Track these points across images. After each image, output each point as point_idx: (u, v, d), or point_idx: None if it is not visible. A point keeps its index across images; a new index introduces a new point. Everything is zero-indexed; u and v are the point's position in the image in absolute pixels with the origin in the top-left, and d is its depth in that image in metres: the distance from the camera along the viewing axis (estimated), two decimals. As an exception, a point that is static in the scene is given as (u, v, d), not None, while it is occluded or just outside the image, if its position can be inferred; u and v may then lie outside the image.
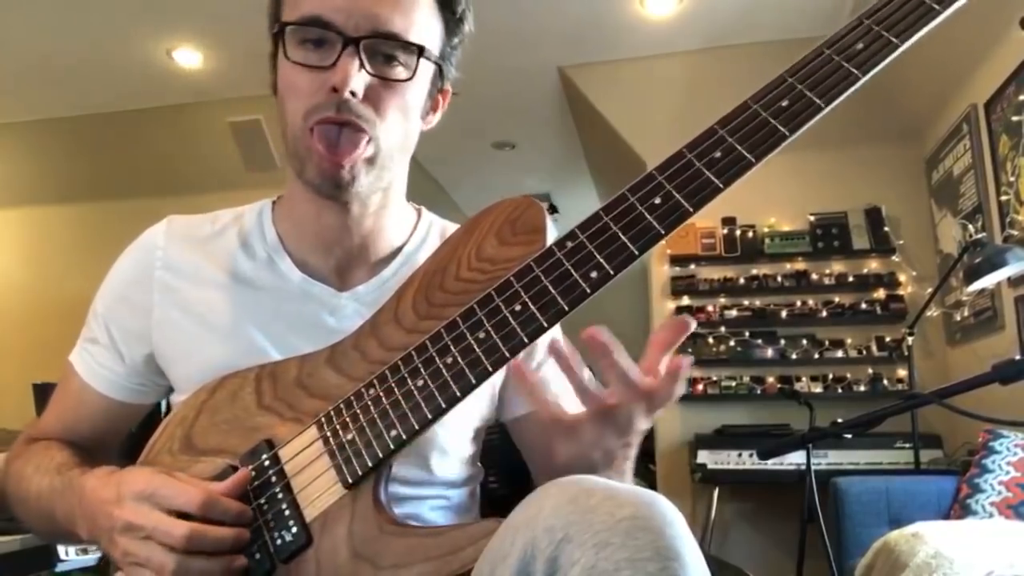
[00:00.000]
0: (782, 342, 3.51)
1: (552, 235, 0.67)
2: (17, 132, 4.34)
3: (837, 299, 3.49)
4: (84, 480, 0.72)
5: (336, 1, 0.72)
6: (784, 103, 0.62)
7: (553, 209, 5.35)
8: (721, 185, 0.61)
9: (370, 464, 0.65)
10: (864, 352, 3.41)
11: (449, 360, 0.64)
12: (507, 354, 0.62)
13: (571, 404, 0.66)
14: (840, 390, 3.40)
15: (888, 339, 3.39)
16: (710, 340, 3.58)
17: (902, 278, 3.46)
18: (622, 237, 0.62)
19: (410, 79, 0.76)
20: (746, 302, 3.61)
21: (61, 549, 1.72)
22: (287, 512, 0.67)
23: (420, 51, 0.76)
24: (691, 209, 0.61)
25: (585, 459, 0.66)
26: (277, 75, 0.79)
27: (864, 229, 3.52)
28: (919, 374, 3.03)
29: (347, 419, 0.67)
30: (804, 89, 0.62)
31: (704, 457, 3.20)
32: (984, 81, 2.82)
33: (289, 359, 0.75)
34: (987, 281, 2.37)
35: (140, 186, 4.37)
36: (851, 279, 3.49)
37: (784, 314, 3.51)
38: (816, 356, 3.46)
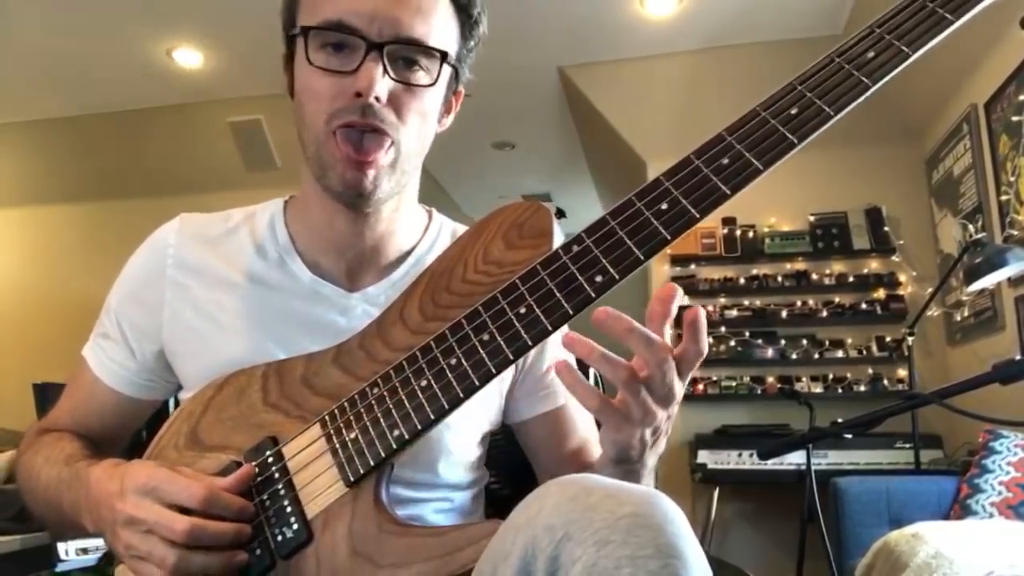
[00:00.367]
0: (782, 342, 3.51)
1: (559, 239, 0.67)
2: (17, 132, 4.34)
3: (837, 299, 3.49)
4: (90, 471, 0.73)
5: (359, 6, 0.72)
6: (793, 111, 0.62)
7: (561, 214, 5.34)
8: (729, 192, 0.61)
9: (372, 463, 0.65)
10: (864, 352, 3.41)
11: (453, 361, 0.64)
12: (511, 356, 0.62)
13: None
14: (840, 390, 3.40)
15: (888, 339, 3.39)
16: (710, 340, 3.57)
17: (902, 278, 3.46)
18: (628, 242, 0.62)
19: (432, 84, 0.76)
20: (746, 302, 3.61)
21: (61, 549, 1.72)
22: (289, 509, 0.67)
23: (443, 57, 0.76)
24: (698, 216, 0.61)
25: (633, 443, 0.64)
26: (294, 78, 0.79)
27: (864, 229, 3.52)
28: (919, 374, 3.03)
29: (350, 418, 0.68)
30: (813, 97, 0.62)
31: (704, 457, 3.20)
32: (984, 81, 2.82)
33: (296, 357, 0.75)
34: (987, 281, 2.37)
35: (140, 186, 4.37)
36: (851, 279, 3.49)
37: (784, 314, 3.51)
38: (816, 356, 3.46)
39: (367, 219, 0.81)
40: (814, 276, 3.53)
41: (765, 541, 3.32)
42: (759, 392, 3.47)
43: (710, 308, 3.62)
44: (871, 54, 0.63)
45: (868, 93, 0.62)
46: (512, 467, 0.98)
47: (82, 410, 0.89)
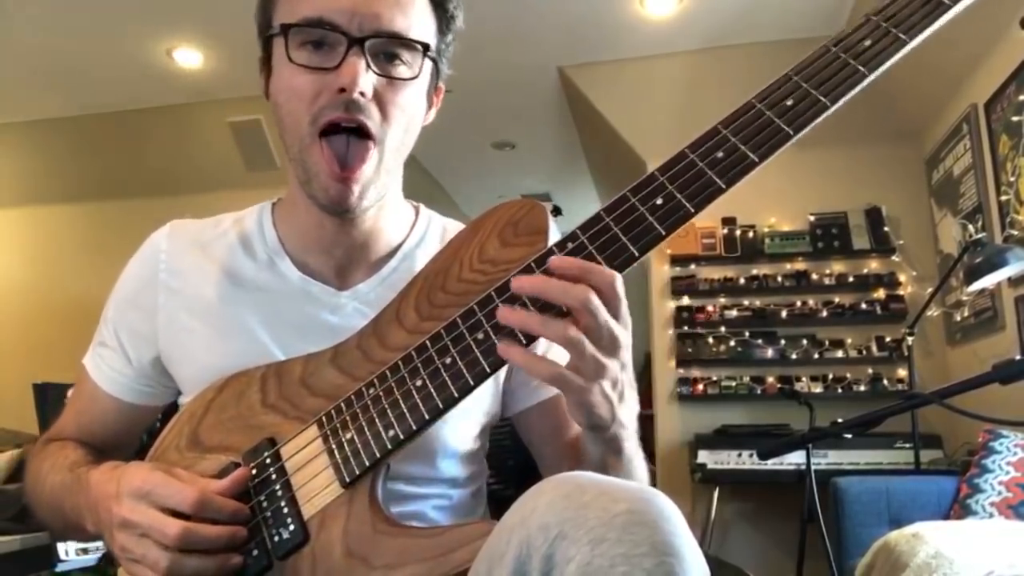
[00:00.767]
0: (782, 342, 3.51)
1: (555, 237, 0.66)
2: (17, 132, 4.34)
3: (837, 299, 3.49)
4: (90, 475, 0.74)
5: (338, 2, 0.72)
6: (789, 102, 0.62)
7: (557, 211, 5.34)
8: (724, 186, 0.60)
9: (367, 463, 0.65)
10: (864, 352, 3.41)
11: (448, 360, 0.64)
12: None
13: None
14: (840, 390, 3.40)
15: (888, 339, 3.39)
16: (710, 340, 3.58)
17: (902, 278, 3.46)
18: (623, 238, 0.61)
19: (415, 77, 0.77)
20: (746, 302, 3.61)
21: (61, 549, 1.72)
22: (285, 510, 0.67)
23: (425, 49, 0.76)
24: (692, 210, 0.61)
25: (596, 402, 0.63)
26: (272, 79, 0.79)
27: (864, 229, 3.52)
28: (919, 374, 3.03)
29: (347, 418, 0.68)
30: (809, 88, 0.62)
31: (704, 457, 3.20)
32: (984, 81, 2.82)
33: (295, 359, 0.75)
34: (987, 281, 2.37)
35: (140, 186, 4.37)
36: (851, 279, 3.49)
37: (784, 314, 3.51)
38: (816, 356, 3.46)
39: (353, 221, 0.82)
40: (814, 276, 3.53)
41: (765, 541, 3.32)
42: (759, 392, 3.47)
43: (710, 308, 3.62)
44: (867, 42, 0.63)
45: (865, 82, 0.61)
46: (515, 467, 0.98)
47: (85, 418, 0.90)
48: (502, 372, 0.85)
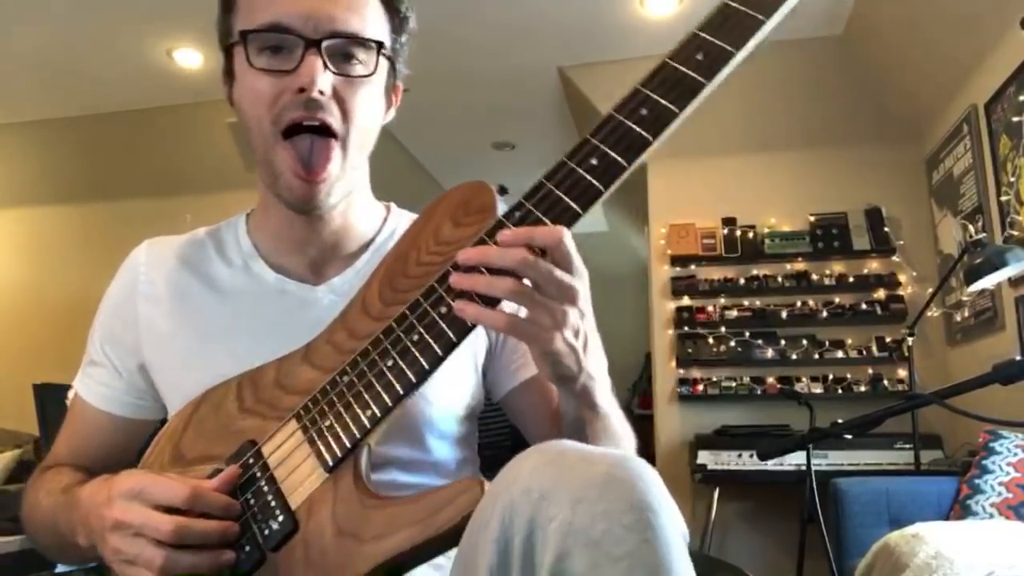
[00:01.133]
0: (782, 342, 3.51)
1: (502, 211, 0.69)
2: (17, 132, 4.34)
3: (837, 299, 3.49)
4: (82, 490, 0.74)
5: (293, 7, 0.75)
6: (699, 56, 0.67)
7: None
8: (650, 138, 0.65)
9: (348, 445, 0.66)
10: (864, 352, 3.41)
11: (415, 337, 0.66)
12: (469, 323, 0.64)
13: None
14: (840, 390, 3.40)
15: (888, 339, 3.39)
16: (710, 340, 3.58)
17: (902, 278, 3.46)
18: (565, 199, 0.65)
19: (372, 74, 0.79)
20: (746, 302, 3.61)
21: (61, 549, 1.71)
22: (273, 503, 0.68)
23: (379, 47, 0.79)
24: (625, 164, 0.65)
25: (559, 350, 0.65)
26: (235, 86, 0.82)
27: (864, 229, 3.52)
28: (919, 374, 3.03)
29: (323, 407, 0.69)
30: (715, 40, 0.67)
31: (704, 457, 3.20)
32: (984, 81, 2.82)
33: (267, 364, 0.76)
34: (987, 281, 2.37)
35: (140, 186, 4.37)
36: (851, 279, 3.49)
37: (784, 314, 3.51)
38: (816, 356, 3.46)
39: (322, 218, 0.85)
40: (814, 276, 3.53)
41: (765, 541, 3.32)
42: (759, 392, 3.47)
43: (710, 308, 3.62)
44: None
45: (765, 27, 0.66)
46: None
47: (77, 440, 0.91)
48: (480, 356, 0.88)
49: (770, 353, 3.50)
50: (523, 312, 0.64)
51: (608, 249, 5.66)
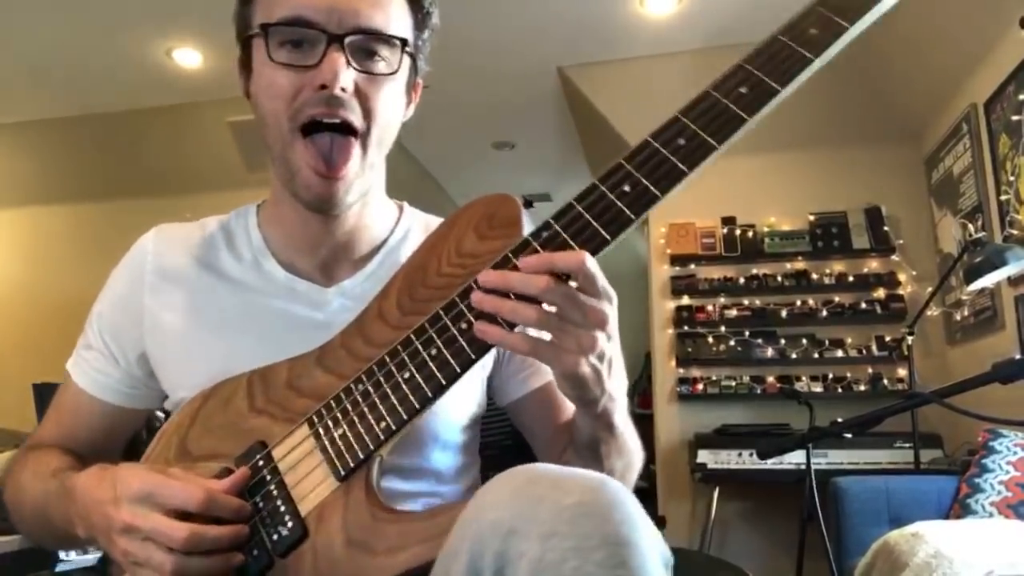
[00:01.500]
0: (782, 342, 3.52)
1: (528, 227, 0.68)
2: (17, 132, 4.34)
3: (837, 299, 3.49)
4: (76, 480, 0.72)
5: (316, 0, 0.73)
6: (743, 89, 0.65)
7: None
8: (686, 169, 0.63)
9: (361, 456, 0.66)
10: (864, 352, 3.42)
11: (433, 351, 0.66)
12: (488, 342, 0.64)
13: None
14: (840, 390, 3.40)
15: (888, 339, 3.39)
16: (710, 340, 3.58)
17: (902, 278, 3.46)
18: (594, 224, 0.64)
19: (395, 72, 0.78)
20: (746, 302, 3.61)
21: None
22: (282, 508, 0.67)
23: (403, 44, 0.78)
24: (659, 194, 0.63)
25: (581, 373, 0.63)
26: (252, 79, 0.80)
27: (864, 229, 3.52)
28: (919, 374, 3.03)
29: (337, 414, 0.69)
30: (761, 75, 0.65)
31: (704, 457, 3.20)
32: (984, 81, 2.82)
33: (280, 362, 0.75)
34: (987, 281, 2.37)
35: (140, 186, 4.37)
36: (851, 279, 3.49)
37: (784, 314, 3.51)
38: (816, 356, 3.46)
39: (337, 218, 0.83)
40: (814, 276, 3.53)
41: (765, 541, 3.32)
42: (759, 392, 3.47)
43: (710, 308, 3.62)
44: (813, 31, 0.66)
45: (812, 66, 0.64)
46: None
47: (69, 422, 0.89)
48: (488, 365, 0.87)
49: (770, 352, 3.50)
50: (547, 334, 0.63)
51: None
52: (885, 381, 3.36)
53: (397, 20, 0.78)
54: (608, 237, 0.63)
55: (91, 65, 3.65)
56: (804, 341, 3.49)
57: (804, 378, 3.46)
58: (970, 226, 2.99)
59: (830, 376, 3.44)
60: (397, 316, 0.71)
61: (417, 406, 0.65)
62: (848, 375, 3.42)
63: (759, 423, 3.35)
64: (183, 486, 0.64)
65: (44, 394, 2.22)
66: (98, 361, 0.87)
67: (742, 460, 3.15)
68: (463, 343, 0.64)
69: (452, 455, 0.84)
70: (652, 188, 0.64)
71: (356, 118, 0.75)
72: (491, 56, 3.49)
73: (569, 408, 0.85)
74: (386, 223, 0.90)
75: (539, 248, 0.64)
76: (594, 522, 0.49)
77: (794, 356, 3.47)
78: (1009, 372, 1.27)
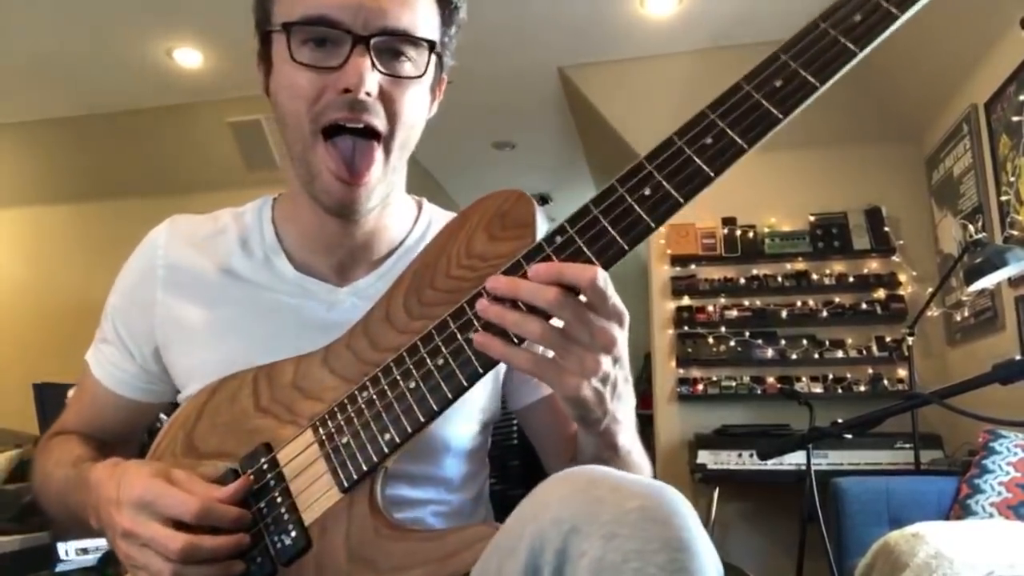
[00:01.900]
0: (782, 342, 3.51)
1: (542, 229, 0.66)
2: (17, 132, 4.34)
3: (837, 299, 3.49)
4: (91, 473, 0.73)
5: None
6: (777, 83, 0.59)
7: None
8: (712, 174, 0.59)
9: (365, 468, 0.65)
10: (864, 352, 3.41)
11: (440, 362, 0.63)
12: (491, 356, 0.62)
13: None
14: (840, 390, 3.40)
15: (888, 339, 3.39)
16: (710, 340, 3.58)
17: (902, 278, 3.46)
18: (611, 231, 0.60)
19: (421, 76, 0.75)
20: (746, 302, 3.61)
21: (61, 549, 1.72)
22: (286, 516, 0.67)
23: (431, 47, 0.75)
24: (682, 201, 0.59)
25: (583, 396, 0.61)
26: (272, 75, 0.77)
27: (864, 229, 3.52)
28: (919, 374, 3.03)
29: (342, 422, 0.67)
30: (798, 67, 0.59)
31: (704, 457, 3.20)
32: (984, 81, 2.82)
33: (285, 360, 0.74)
34: (987, 281, 2.36)
35: (140, 186, 4.37)
36: (851, 279, 3.49)
37: (784, 314, 3.51)
38: (816, 356, 3.46)
39: (357, 221, 0.81)
40: (814, 276, 3.53)
41: (765, 541, 3.32)
42: (759, 392, 3.47)
43: (710, 308, 3.62)
44: (857, 17, 0.59)
45: (856, 59, 0.58)
46: (520, 468, 0.98)
47: (87, 413, 0.90)
48: (501, 369, 0.85)
49: (770, 353, 3.50)
50: (551, 352, 0.61)
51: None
52: (885, 382, 3.36)
53: (424, 19, 0.75)
54: (626, 247, 0.60)
55: (91, 65, 3.65)
56: (804, 342, 3.49)
57: (804, 379, 3.45)
58: (970, 227, 2.99)
59: (830, 376, 3.43)
60: (404, 319, 0.69)
61: (422, 419, 0.63)
62: (848, 376, 3.42)
63: (759, 423, 3.35)
64: (181, 497, 0.64)
65: (44, 394, 2.22)
66: (114, 356, 0.87)
67: (742, 460, 3.15)
68: (470, 354, 0.62)
69: (462, 462, 0.83)
70: (675, 193, 0.59)
71: (380, 122, 0.73)
72: (491, 56, 3.49)
73: None
74: (405, 223, 0.88)
75: (552, 255, 0.61)
76: (656, 527, 0.49)
77: (794, 357, 3.47)
78: (1009, 373, 1.27)
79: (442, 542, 0.62)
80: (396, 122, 0.75)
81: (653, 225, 0.59)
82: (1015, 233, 2.63)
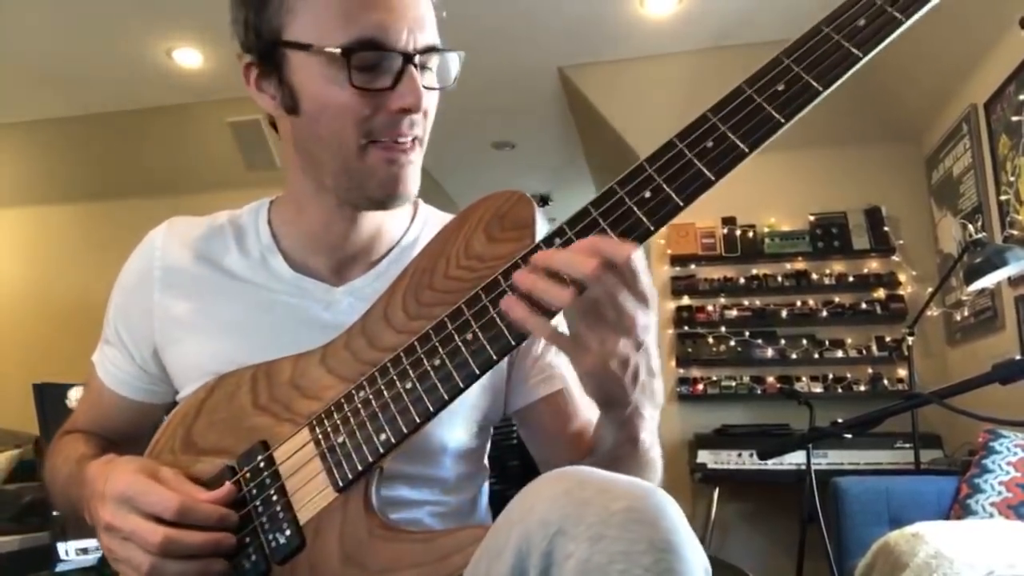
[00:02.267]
0: (782, 342, 3.52)
1: (542, 230, 0.66)
2: (17, 132, 4.34)
3: (837, 299, 3.49)
4: (88, 469, 0.75)
5: (389, 19, 0.70)
6: (780, 87, 0.59)
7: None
8: (713, 178, 0.58)
9: (359, 468, 0.65)
10: (864, 352, 3.42)
11: (437, 362, 0.63)
12: (494, 357, 0.61)
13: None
14: (840, 390, 3.40)
15: (888, 339, 3.39)
16: (710, 340, 3.58)
17: (902, 278, 3.46)
18: (610, 234, 0.59)
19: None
20: (746, 302, 3.61)
21: (61, 549, 1.72)
22: (281, 514, 0.67)
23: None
24: (682, 204, 0.59)
25: (606, 376, 0.61)
26: (302, 90, 0.74)
27: (864, 229, 3.52)
28: (919, 374, 3.03)
29: (338, 422, 0.67)
30: (801, 71, 0.59)
31: (704, 457, 3.20)
32: (984, 81, 2.82)
33: (284, 358, 0.75)
34: (987, 281, 2.37)
35: (140, 186, 4.37)
36: (851, 279, 3.49)
37: (784, 314, 3.51)
38: (816, 356, 3.46)
39: (363, 216, 0.81)
40: (814, 276, 3.53)
41: (765, 541, 3.32)
42: (759, 392, 3.47)
43: (710, 308, 3.62)
44: (861, 22, 0.58)
45: (859, 64, 0.57)
46: (518, 468, 0.98)
47: (94, 413, 0.92)
48: (502, 372, 0.84)
49: (770, 353, 3.50)
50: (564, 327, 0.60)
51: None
52: (885, 381, 3.36)
53: (434, 26, 0.77)
54: None
55: (91, 65, 3.65)
56: (804, 341, 3.49)
57: (804, 378, 3.46)
58: (970, 226, 2.99)
59: (830, 376, 3.44)
60: (402, 319, 0.69)
61: (418, 420, 0.63)
62: (848, 375, 3.42)
63: (759, 423, 3.35)
64: (161, 495, 0.65)
65: (44, 394, 2.22)
66: (116, 357, 0.88)
67: (742, 460, 3.15)
68: (467, 356, 0.62)
69: (460, 464, 0.83)
70: (675, 197, 0.58)
71: (420, 130, 0.76)
72: (491, 56, 3.49)
73: (580, 420, 0.84)
74: (401, 224, 0.89)
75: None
76: (643, 528, 0.49)
77: (794, 356, 3.47)
78: (1009, 373, 1.27)
79: (433, 544, 0.62)
80: (428, 124, 0.78)
81: (653, 228, 0.59)
82: (1015, 233, 2.63)
